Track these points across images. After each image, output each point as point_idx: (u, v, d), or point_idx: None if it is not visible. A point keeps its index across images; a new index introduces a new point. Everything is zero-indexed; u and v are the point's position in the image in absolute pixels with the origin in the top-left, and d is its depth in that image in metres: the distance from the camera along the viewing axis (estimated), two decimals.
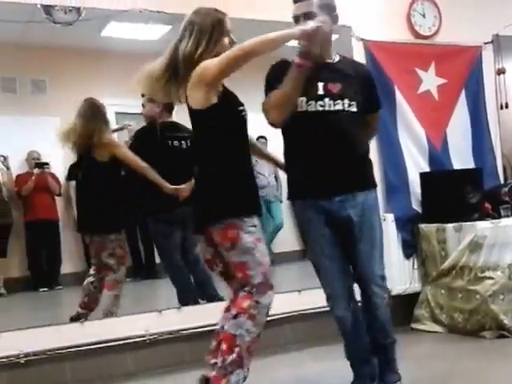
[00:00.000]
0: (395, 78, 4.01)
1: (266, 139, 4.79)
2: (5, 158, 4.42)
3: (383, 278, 2.62)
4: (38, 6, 3.27)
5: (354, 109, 2.48)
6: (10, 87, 4.56)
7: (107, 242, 3.49)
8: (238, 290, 2.24)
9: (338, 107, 2.46)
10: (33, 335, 3.09)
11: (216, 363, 2.20)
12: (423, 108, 4.08)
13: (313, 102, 2.44)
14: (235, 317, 2.18)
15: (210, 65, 2.19)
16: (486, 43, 4.35)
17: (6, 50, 4.16)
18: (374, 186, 2.64)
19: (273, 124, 2.44)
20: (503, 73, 4.38)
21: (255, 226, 2.25)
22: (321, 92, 2.44)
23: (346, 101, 2.47)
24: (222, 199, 2.24)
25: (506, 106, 4.37)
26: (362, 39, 3.95)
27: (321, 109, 2.44)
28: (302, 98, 2.44)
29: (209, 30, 2.28)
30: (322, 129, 2.45)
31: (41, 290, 4.42)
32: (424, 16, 4.18)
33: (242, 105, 2.37)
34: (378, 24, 4.04)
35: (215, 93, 2.24)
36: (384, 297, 2.61)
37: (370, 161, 2.65)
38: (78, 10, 3.34)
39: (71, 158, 3.96)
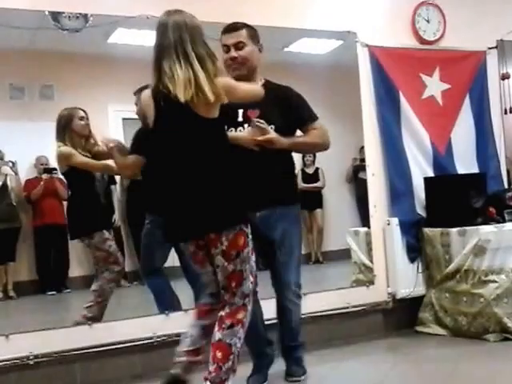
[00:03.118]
0: (400, 83, 4.06)
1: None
2: (13, 164, 4.46)
3: (299, 285, 2.91)
4: (46, 13, 3.33)
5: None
6: (19, 93, 4.60)
7: (87, 247, 3.65)
8: (229, 299, 2.31)
9: None
10: (42, 337, 3.14)
11: (191, 362, 2.32)
12: (427, 113, 4.12)
13: (233, 129, 2.71)
14: (230, 327, 2.28)
15: (237, 86, 2.39)
16: (490, 48, 4.40)
17: (15, 57, 4.22)
18: (293, 202, 2.85)
19: None
20: (507, 78, 4.42)
21: (251, 234, 2.36)
22: (240, 119, 2.71)
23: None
24: (236, 205, 2.31)
25: (511, 111, 4.40)
26: (367, 45, 4.00)
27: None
28: (229, 128, 2.71)
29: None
30: (241, 153, 2.58)
31: (49, 293, 4.46)
32: (428, 21, 4.23)
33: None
34: (383, 30, 4.09)
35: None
36: (297, 303, 2.92)
37: (290, 179, 2.92)
38: (85, 16, 3.41)
39: None
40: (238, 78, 2.64)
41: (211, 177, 2.29)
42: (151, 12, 3.44)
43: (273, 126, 2.68)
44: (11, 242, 4.54)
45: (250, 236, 2.33)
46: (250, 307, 2.34)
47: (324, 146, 2.91)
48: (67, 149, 3.57)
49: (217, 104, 2.29)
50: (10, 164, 4.48)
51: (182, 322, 3.33)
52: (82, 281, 4.36)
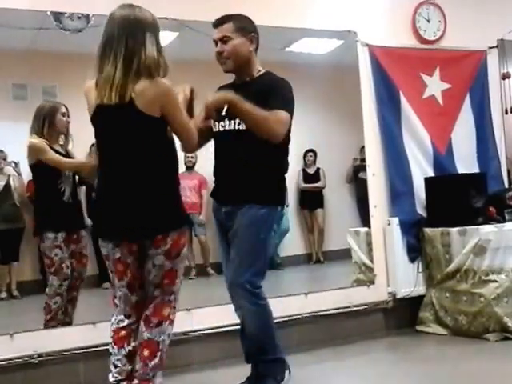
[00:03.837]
0: (400, 82, 4.08)
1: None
2: (16, 164, 4.47)
3: (247, 289, 2.58)
4: (48, 13, 3.35)
5: (243, 126, 2.62)
6: (21, 94, 4.62)
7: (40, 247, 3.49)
8: (157, 295, 2.32)
9: (231, 127, 2.67)
10: (46, 336, 3.18)
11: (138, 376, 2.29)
12: (428, 113, 4.14)
13: (217, 123, 2.72)
14: (158, 324, 2.30)
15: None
16: (490, 48, 4.41)
17: (17, 57, 4.25)
18: (261, 201, 2.63)
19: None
20: (508, 77, 4.43)
21: None
22: (223, 113, 2.67)
23: (238, 120, 2.63)
24: (180, 206, 2.35)
25: (511, 111, 4.41)
26: (367, 44, 4.02)
27: (222, 129, 2.71)
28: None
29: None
30: (220, 147, 2.74)
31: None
32: (429, 21, 4.24)
33: None
34: (383, 29, 4.11)
35: None
36: (249, 308, 2.61)
37: (266, 176, 2.65)
38: (87, 17, 3.43)
39: None
40: (227, 72, 2.73)
41: (153, 177, 2.28)
42: (152, 12, 3.48)
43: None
44: (15, 242, 4.56)
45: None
46: (176, 305, 2.37)
47: (272, 132, 2.55)
48: (41, 142, 3.43)
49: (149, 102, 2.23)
50: (13, 164, 4.48)
51: (183, 322, 3.37)
52: (86, 280, 4.38)
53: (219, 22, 2.70)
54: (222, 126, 2.71)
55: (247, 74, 2.74)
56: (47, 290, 3.44)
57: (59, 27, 3.41)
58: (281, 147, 2.67)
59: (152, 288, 2.34)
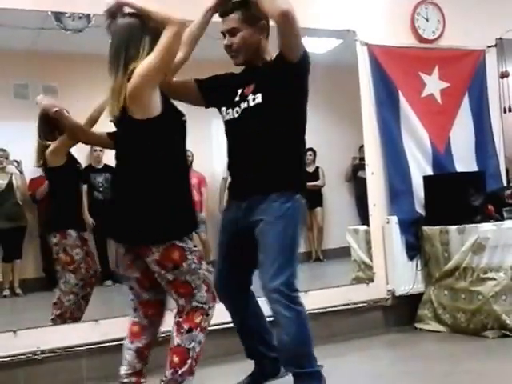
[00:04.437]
0: (399, 82, 4.09)
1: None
2: (18, 163, 4.50)
3: (284, 293, 2.36)
4: (49, 13, 3.36)
5: (259, 100, 2.42)
6: (22, 93, 4.63)
7: (51, 245, 3.51)
8: (184, 303, 2.29)
9: (244, 105, 2.46)
10: (49, 333, 3.20)
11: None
12: (427, 112, 4.15)
13: (230, 110, 2.52)
14: (188, 331, 2.26)
15: (145, 67, 2.19)
16: (489, 47, 4.42)
17: (18, 57, 4.26)
18: (280, 192, 2.41)
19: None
20: (506, 76, 4.45)
21: (195, 245, 2.31)
22: (237, 98, 2.49)
23: (251, 96, 2.44)
24: (168, 219, 2.21)
25: (510, 110, 4.44)
26: (367, 43, 4.03)
27: (236, 115, 2.49)
28: (223, 108, 2.55)
29: None
30: (233, 136, 2.55)
31: (55, 290, 4.49)
32: (428, 20, 4.25)
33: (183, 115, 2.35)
34: (382, 28, 4.12)
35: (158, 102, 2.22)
36: (283, 314, 2.37)
37: (283, 162, 2.43)
38: (87, 17, 3.44)
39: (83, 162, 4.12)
40: (239, 65, 2.55)
41: (144, 188, 2.24)
42: None
43: (258, 95, 2.42)
44: (18, 240, 4.57)
45: (192, 248, 2.26)
46: (210, 312, 2.30)
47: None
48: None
49: (141, 103, 2.18)
50: (15, 163, 4.50)
51: None
52: None
53: (225, 12, 2.48)
54: (236, 112, 2.49)
55: (259, 60, 2.53)
56: (62, 286, 3.47)
57: (60, 27, 3.43)
58: (300, 126, 2.48)
59: (176, 297, 2.31)
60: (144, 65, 2.17)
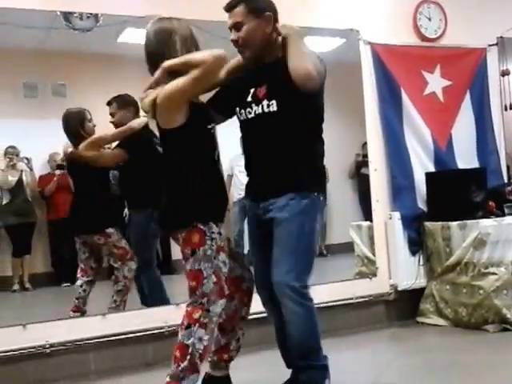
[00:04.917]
0: (401, 80, 4.08)
1: None
2: (28, 160, 4.52)
3: (295, 289, 2.32)
4: (58, 13, 3.36)
5: (274, 108, 2.34)
6: (32, 92, 4.65)
7: (99, 245, 3.63)
8: (190, 298, 2.26)
9: (259, 111, 2.37)
10: (57, 327, 3.20)
11: (220, 359, 2.35)
12: (429, 109, 4.14)
13: (243, 111, 2.44)
14: (187, 327, 2.21)
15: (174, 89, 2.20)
16: (490, 45, 4.40)
17: (28, 56, 4.28)
18: (298, 191, 2.35)
19: None
20: (507, 74, 4.43)
21: (220, 234, 2.27)
22: (249, 99, 2.40)
23: (265, 102, 2.35)
24: (190, 202, 2.25)
25: (511, 107, 4.41)
26: (370, 42, 4.02)
27: (249, 116, 2.41)
28: (237, 109, 2.47)
29: None
30: (248, 137, 2.47)
31: (64, 284, 4.50)
32: (430, 19, 4.24)
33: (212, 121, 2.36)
34: (385, 27, 4.11)
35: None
36: (294, 310, 2.34)
37: (300, 164, 2.38)
38: (95, 16, 3.44)
39: None
40: (249, 62, 2.44)
41: (175, 182, 2.30)
42: (159, 12, 3.48)
43: (273, 102, 2.34)
44: (27, 235, 4.60)
45: (214, 235, 2.24)
46: (211, 308, 2.22)
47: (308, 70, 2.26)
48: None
49: (166, 112, 2.21)
50: (25, 160, 4.53)
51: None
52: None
53: (230, 6, 2.39)
54: (248, 113, 2.41)
55: (271, 56, 2.41)
56: (128, 274, 3.60)
57: (69, 27, 3.42)
58: (315, 128, 2.41)
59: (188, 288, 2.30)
60: (172, 86, 2.17)
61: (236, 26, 2.37)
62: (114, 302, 3.54)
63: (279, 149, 2.36)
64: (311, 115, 2.40)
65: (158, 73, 2.23)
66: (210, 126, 2.33)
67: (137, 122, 3.56)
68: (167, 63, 2.21)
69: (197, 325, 2.20)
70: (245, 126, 2.47)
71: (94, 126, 3.71)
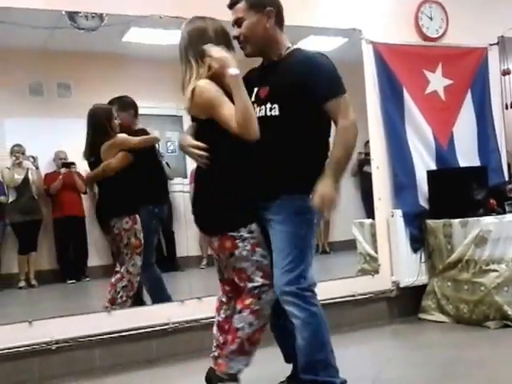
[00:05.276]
0: (403, 79, 4.07)
1: None
2: (34, 158, 4.51)
3: (294, 293, 2.22)
4: (63, 12, 3.35)
5: (276, 112, 2.27)
6: (37, 90, 4.64)
7: (121, 231, 3.60)
8: (243, 286, 2.30)
9: (261, 113, 2.29)
10: (63, 323, 3.20)
11: (220, 355, 2.35)
12: (430, 108, 4.13)
13: None
14: (239, 312, 2.30)
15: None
16: (491, 45, 4.40)
17: (33, 56, 4.27)
18: (294, 191, 2.26)
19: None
20: (508, 73, 4.42)
21: (252, 232, 2.28)
22: (253, 99, 2.30)
23: (268, 105, 2.28)
24: (221, 211, 2.26)
25: (511, 106, 4.40)
26: (372, 42, 4.02)
27: None
28: None
29: None
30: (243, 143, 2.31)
31: (69, 281, 4.51)
32: (431, 19, 4.23)
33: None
34: (387, 27, 4.10)
35: None
36: (298, 316, 2.23)
37: (297, 166, 2.27)
38: (100, 16, 3.43)
39: None
40: (249, 57, 2.38)
41: (207, 181, 2.31)
42: (164, 12, 3.48)
43: (276, 106, 2.26)
44: (33, 233, 4.60)
45: (245, 235, 2.26)
46: (264, 296, 2.27)
47: (353, 144, 2.24)
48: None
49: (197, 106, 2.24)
50: (31, 159, 4.52)
51: (196, 309, 3.41)
52: (101, 270, 4.41)
53: (232, 3, 2.35)
54: None
55: (273, 54, 2.34)
56: (131, 269, 3.57)
57: (74, 26, 3.42)
58: (318, 131, 2.29)
59: (237, 281, 2.33)
60: (207, 100, 2.21)
61: (237, 22, 2.33)
62: (120, 298, 3.53)
63: (279, 152, 2.28)
64: (314, 119, 2.29)
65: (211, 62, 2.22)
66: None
67: (158, 134, 3.71)
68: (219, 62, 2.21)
69: (248, 310, 2.28)
70: None
71: (118, 123, 3.73)
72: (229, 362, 2.30)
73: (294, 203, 2.26)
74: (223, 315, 2.46)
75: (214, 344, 2.44)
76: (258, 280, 2.28)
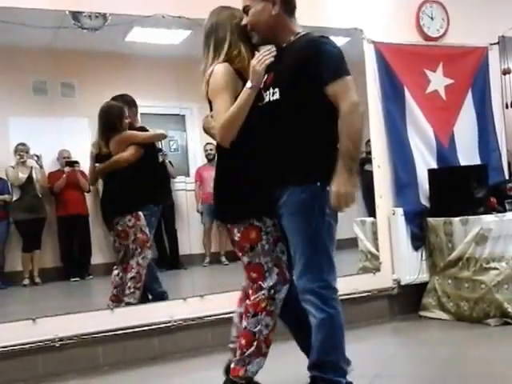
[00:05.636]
0: (405, 78, 4.06)
1: None
2: (38, 157, 4.50)
3: (313, 291, 2.13)
4: (67, 12, 3.35)
5: (277, 96, 2.20)
6: (41, 90, 4.63)
7: (126, 228, 3.61)
8: (253, 288, 2.28)
9: (266, 99, 2.24)
10: (67, 321, 3.19)
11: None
12: (431, 107, 4.12)
13: (256, 98, 2.25)
14: (254, 315, 2.26)
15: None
16: (492, 44, 4.38)
17: (37, 55, 4.25)
18: (297, 183, 2.15)
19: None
20: (508, 73, 4.41)
21: (275, 226, 2.25)
22: (262, 85, 2.23)
23: (271, 90, 2.22)
24: (246, 199, 2.23)
25: (511, 105, 4.39)
26: (373, 41, 4.01)
27: (260, 104, 2.25)
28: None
29: None
30: (257, 125, 2.24)
31: (72, 279, 4.50)
32: (432, 18, 4.22)
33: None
34: (388, 27, 4.09)
35: None
36: (313, 314, 2.15)
37: (300, 154, 2.16)
38: (104, 16, 3.43)
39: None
40: (259, 45, 2.31)
41: (227, 169, 2.29)
42: (167, 11, 3.47)
43: (277, 90, 2.19)
44: (37, 231, 4.59)
45: (270, 228, 2.24)
46: (277, 296, 2.25)
47: (360, 131, 2.09)
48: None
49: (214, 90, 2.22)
50: (35, 157, 4.51)
51: (198, 307, 3.41)
52: (104, 268, 4.40)
53: None
54: (260, 101, 2.24)
55: (282, 41, 2.27)
56: (141, 261, 3.57)
57: (77, 26, 3.41)
58: (322, 115, 2.14)
59: (248, 280, 2.31)
60: (214, 83, 2.22)
61: (245, 11, 2.29)
62: (129, 289, 3.53)
63: (282, 140, 2.19)
64: (317, 104, 2.16)
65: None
66: (260, 104, 2.25)
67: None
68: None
69: (264, 313, 2.26)
70: (256, 113, 2.25)
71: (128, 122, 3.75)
72: (247, 366, 2.27)
73: (301, 195, 2.14)
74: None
75: (235, 335, 2.42)
76: (274, 277, 2.24)
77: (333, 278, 2.18)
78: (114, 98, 3.82)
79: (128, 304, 3.47)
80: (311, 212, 2.13)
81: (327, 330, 2.14)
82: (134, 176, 3.58)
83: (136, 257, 3.58)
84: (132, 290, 3.51)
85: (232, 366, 2.30)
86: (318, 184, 2.14)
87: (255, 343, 2.26)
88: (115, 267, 3.65)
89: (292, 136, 2.18)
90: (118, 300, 3.52)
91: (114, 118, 3.64)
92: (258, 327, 2.25)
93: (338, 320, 2.16)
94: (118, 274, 3.62)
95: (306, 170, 2.16)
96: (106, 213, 3.72)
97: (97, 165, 3.78)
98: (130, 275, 3.56)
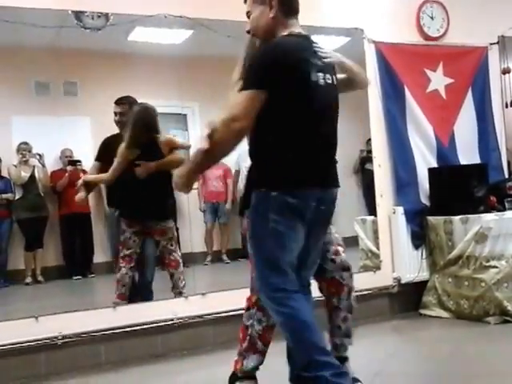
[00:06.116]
0: (405, 78, 4.05)
1: None
2: (40, 156, 4.51)
3: (267, 296, 2.09)
4: (69, 12, 3.34)
5: None
6: (44, 89, 4.63)
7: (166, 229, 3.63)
8: (251, 284, 2.30)
9: None
10: (69, 319, 3.18)
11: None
12: (432, 106, 4.11)
13: None
14: (247, 309, 2.31)
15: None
16: (491, 44, 4.37)
17: (40, 54, 4.25)
18: (258, 187, 2.10)
19: None
20: (508, 72, 4.39)
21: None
22: None
23: None
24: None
25: (511, 105, 4.38)
26: (374, 41, 4.00)
27: None
28: None
29: None
30: None
31: (75, 277, 4.52)
32: (432, 18, 4.21)
33: None
34: (389, 26, 4.08)
35: None
36: (276, 319, 2.11)
37: (256, 160, 2.16)
38: (106, 15, 3.42)
39: None
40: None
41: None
42: (168, 11, 3.46)
43: None
44: (40, 230, 4.60)
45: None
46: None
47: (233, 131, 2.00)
48: None
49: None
50: (38, 156, 4.52)
51: (200, 305, 3.40)
52: (106, 266, 4.39)
53: None
54: None
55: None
56: (178, 258, 3.59)
57: (80, 26, 3.40)
58: (272, 122, 2.06)
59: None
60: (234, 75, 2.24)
61: (247, 16, 2.26)
62: (181, 282, 3.54)
63: (252, 143, 2.16)
64: (275, 108, 2.04)
65: None
66: None
67: None
68: None
69: (255, 308, 2.28)
70: None
71: None
72: (244, 360, 2.30)
73: (253, 201, 2.10)
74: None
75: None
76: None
77: (282, 281, 2.07)
78: (120, 101, 3.76)
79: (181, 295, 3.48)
80: (256, 216, 2.11)
81: (288, 328, 2.07)
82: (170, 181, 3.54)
83: (176, 252, 3.58)
84: (184, 282, 3.52)
85: (235, 358, 2.34)
86: (263, 190, 2.09)
87: (248, 338, 2.29)
88: (123, 266, 3.48)
89: (250, 143, 2.17)
90: (124, 298, 3.47)
91: (155, 119, 3.54)
92: (250, 321, 2.29)
93: (297, 317, 2.07)
94: (126, 273, 3.52)
95: (258, 176, 2.14)
96: (147, 213, 3.55)
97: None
98: (180, 269, 3.54)
